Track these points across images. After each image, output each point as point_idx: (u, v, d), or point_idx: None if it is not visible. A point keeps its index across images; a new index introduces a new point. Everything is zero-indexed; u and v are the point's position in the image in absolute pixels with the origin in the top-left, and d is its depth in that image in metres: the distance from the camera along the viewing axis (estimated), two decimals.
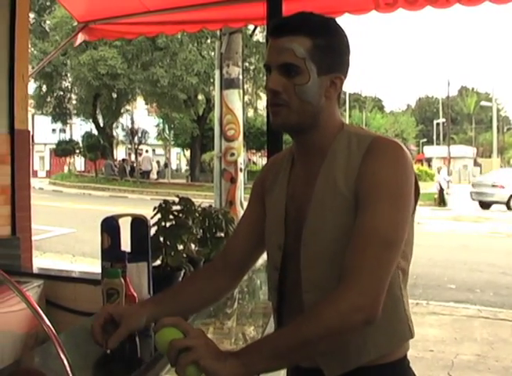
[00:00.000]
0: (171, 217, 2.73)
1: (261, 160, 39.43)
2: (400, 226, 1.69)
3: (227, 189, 9.16)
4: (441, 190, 28.81)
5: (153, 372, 1.97)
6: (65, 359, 1.40)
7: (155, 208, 2.72)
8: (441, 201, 28.57)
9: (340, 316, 1.56)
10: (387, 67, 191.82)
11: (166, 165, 47.24)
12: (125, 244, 2.32)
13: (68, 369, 1.39)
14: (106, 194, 33.13)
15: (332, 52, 1.79)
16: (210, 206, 3.63)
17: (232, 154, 9.17)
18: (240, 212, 9.11)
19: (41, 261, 10.70)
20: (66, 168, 49.09)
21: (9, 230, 4.69)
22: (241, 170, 9.33)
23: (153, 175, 42.27)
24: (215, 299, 2.18)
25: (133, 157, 44.76)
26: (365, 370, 1.80)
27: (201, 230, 3.22)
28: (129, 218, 2.44)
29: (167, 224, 2.71)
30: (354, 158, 1.77)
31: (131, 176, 39.79)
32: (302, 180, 1.90)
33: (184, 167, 50.17)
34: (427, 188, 32.56)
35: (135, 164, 41.98)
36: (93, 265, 9.28)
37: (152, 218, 2.62)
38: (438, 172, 30.71)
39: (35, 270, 4.75)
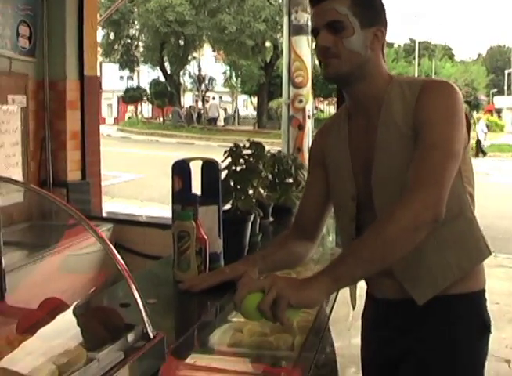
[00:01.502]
0: (241, 161, 2.71)
1: (328, 108, 39.17)
2: (456, 140, 1.85)
3: (295, 136, 9.09)
4: (478, 141, 28.42)
5: (222, 314, 1.99)
6: (138, 297, 1.41)
7: (225, 152, 2.70)
8: (478, 152, 28.18)
9: (412, 215, 1.72)
10: (458, 15, 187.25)
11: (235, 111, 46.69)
12: (195, 188, 2.32)
13: (141, 307, 1.41)
14: (174, 141, 33.30)
15: (370, 7, 1.98)
16: (280, 152, 3.61)
17: (301, 101, 9.08)
18: None
19: (110, 205, 10.85)
20: (127, 116, 49.47)
21: (79, 175, 4.77)
22: (309, 117, 9.24)
23: (220, 122, 42.39)
24: (303, 260, 2.34)
25: (200, 104, 44.92)
26: (445, 298, 1.96)
27: (271, 175, 3.21)
28: (199, 162, 2.44)
29: (238, 168, 2.69)
30: (409, 100, 1.93)
31: (198, 123, 39.96)
32: (363, 131, 2.04)
33: (251, 114, 49.86)
34: (497, 138, 32.03)
35: (201, 111, 42.12)
36: (161, 210, 9.40)
37: (222, 162, 2.61)
38: (477, 122, 30.24)
39: (104, 214, 4.84)
